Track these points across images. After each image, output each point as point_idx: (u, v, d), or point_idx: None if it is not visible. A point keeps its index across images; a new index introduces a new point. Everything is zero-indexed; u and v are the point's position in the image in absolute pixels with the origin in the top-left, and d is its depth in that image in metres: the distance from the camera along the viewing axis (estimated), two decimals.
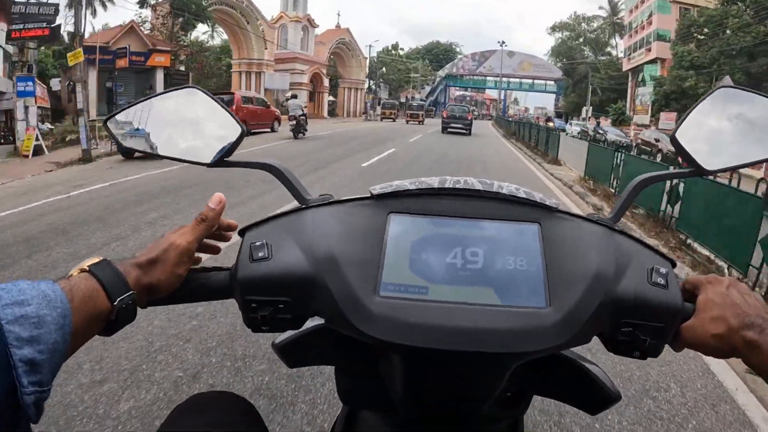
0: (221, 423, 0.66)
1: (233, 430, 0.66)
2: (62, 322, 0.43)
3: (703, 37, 28.58)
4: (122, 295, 0.50)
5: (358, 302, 0.53)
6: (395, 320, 0.52)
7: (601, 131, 26.45)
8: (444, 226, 0.58)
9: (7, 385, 0.38)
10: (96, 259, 0.51)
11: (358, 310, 0.52)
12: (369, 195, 0.61)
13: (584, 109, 44.70)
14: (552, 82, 67.16)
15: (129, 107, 0.65)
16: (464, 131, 24.06)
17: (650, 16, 37.29)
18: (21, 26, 12.65)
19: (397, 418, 0.66)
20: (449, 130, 24.17)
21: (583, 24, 58.74)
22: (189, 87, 0.66)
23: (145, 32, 23.27)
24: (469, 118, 24.48)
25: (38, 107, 13.57)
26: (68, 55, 11.40)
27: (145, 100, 0.66)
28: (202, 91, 0.66)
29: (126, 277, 0.51)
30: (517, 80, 71.88)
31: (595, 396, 0.66)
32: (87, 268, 0.50)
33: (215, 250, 0.66)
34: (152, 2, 24.16)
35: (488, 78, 72.74)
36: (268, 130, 19.23)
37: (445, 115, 24.97)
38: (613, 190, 8.11)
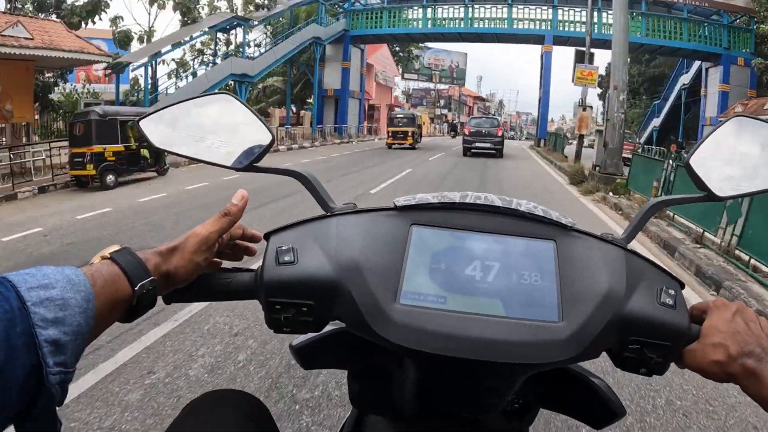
0: (232, 422, 0.66)
1: (244, 429, 0.66)
2: (86, 305, 0.44)
3: None
4: (143, 281, 0.51)
5: (378, 309, 0.55)
6: (414, 327, 0.54)
7: None
8: (464, 240, 0.60)
9: (30, 366, 0.39)
10: (117, 247, 0.53)
11: (379, 317, 0.54)
12: (393, 206, 0.63)
13: None
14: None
15: (162, 110, 0.66)
16: (493, 151, 19.39)
17: None
18: None
19: (405, 424, 0.67)
20: (473, 150, 19.53)
21: None
22: (222, 93, 0.68)
23: None
24: (500, 134, 19.79)
25: None
26: None
27: (178, 103, 0.67)
28: (235, 98, 0.68)
29: (146, 264, 0.53)
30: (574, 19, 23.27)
31: (600, 410, 0.68)
32: (108, 255, 0.52)
33: (238, 257, 0.68)
34: None
35: (479, 22, 24.85)
36: None
37: (467, 132, 20.20)
38: None
